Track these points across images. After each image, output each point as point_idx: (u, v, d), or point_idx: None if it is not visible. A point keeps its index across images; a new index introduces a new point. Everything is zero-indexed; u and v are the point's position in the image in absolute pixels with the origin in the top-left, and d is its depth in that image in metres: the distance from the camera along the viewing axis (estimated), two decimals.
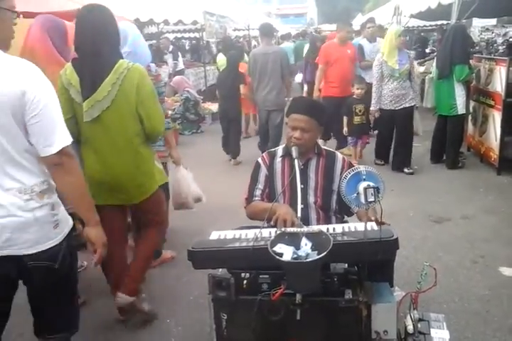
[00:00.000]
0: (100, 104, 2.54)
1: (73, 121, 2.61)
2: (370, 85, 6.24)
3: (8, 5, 1.92)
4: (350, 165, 2.65)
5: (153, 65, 3.44)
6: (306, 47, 9.63)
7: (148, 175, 2.84)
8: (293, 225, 2.20)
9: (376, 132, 6.68)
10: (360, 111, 6.25)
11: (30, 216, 1.86)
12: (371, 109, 6.04)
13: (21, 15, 8.55)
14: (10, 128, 1.80)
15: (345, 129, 6.37)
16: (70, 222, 2.08)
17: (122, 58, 2.63)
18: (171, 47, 11.91)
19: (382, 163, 6.37)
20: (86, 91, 2.53)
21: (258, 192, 2.71)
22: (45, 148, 1.83)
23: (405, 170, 5.98)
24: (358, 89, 6.25)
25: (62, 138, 1.86)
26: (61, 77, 2.61)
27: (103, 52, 2.57)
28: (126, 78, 2.56)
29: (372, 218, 2.23)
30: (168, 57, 11.36)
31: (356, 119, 6.27)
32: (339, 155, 2.77)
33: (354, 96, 6.32)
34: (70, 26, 2.99)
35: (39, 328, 2.17)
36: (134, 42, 3.18)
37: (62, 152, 1.86)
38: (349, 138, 6.47)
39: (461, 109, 5.76)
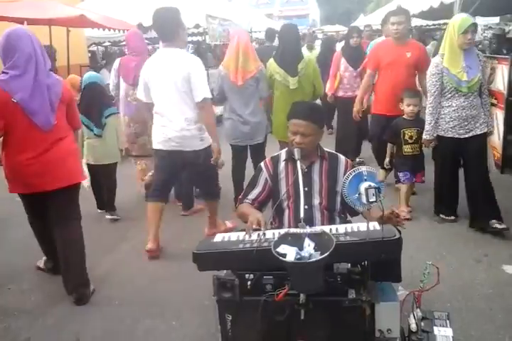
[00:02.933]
0: (308, 77, 4.69)
1: (271, 91, 4.78)
2: None
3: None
4: (353, 167, 2.68)
5: None
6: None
7: None
8: (259, 226, 2.33)
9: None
10: (411, 137, 4.52)
11: (188, 133, 3.80)
12: (424, 137, 4.27)
13: (25, 22, 8.54)
14: (186, 90, 3.72)
15: (386, 160, 4.86)
16: (210, 141, 3.89)
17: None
18: None
19: (452, 217, 4.43)
20: (292, 73, 4.61)
21: (251, 196, 2.79)
22: (196, 98, 3.72)
23: (496, 225, 4.04)
24: (408, 105, 4.56)
25: (203, 94, 3.69)
26: (268, 68, 4.72)
27: (297, 52, 4.75)
28: (307, 65, 4.69)
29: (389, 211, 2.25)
30: None
31: (406, 149, 4.56)
32: (342, 158, 2.81)
33: (404, 116, 4.64)
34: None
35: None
36: None
37: (202, 101, 3.71)
38: (400, 173, 4.65)
39: None
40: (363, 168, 2.09)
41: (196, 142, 3.84)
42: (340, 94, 6.66)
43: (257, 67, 4.56)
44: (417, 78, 5.14)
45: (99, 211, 5.08)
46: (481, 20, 13.64)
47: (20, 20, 8.08)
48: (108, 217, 4.95)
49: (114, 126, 4.85)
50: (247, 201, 2.78)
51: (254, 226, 2.32)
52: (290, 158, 2.72)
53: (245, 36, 4.68)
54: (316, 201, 2.68)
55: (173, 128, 3.79)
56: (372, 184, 2.02)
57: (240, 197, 2.87)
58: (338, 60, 6.62)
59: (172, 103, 3.76)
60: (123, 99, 5.14)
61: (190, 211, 4.99)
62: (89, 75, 4.86)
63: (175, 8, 3.85)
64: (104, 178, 4.96)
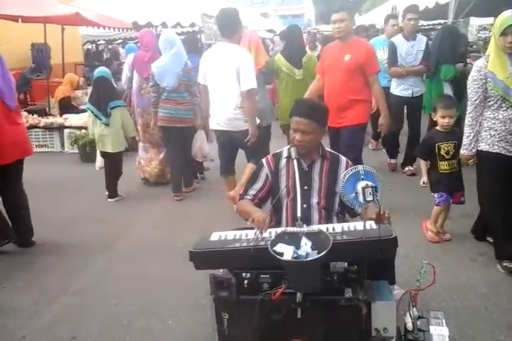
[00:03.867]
0: (309, 70, 5.27)
1: (276, 81, 5.74)
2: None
3: None
4: None
5: (188, 61, 5.22)
6: None
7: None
8: (264, 225, 2.26)
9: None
10: (448, 152, 3.93)
11: (234, 115, 4.43)
12: (461, 152, 3.63)
13: (20, 20, 8.54)
14: (235, 79, 4.29)
15: (424, 178, 4.08)
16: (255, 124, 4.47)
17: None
18: None
19: None
20: (298, 65, 5.33)
21: (251, 192, 2.79)
22: (243, 87, 4.29)
23: (506, 263, 3.51)
24: (443, 117, 3.93)
25: (249, 85, 4.28)
26: (276, 61, 5.42)
27: (301, 48, 5.61)
28: (309, 60, 5.42)
29: (378, 213, 2.21)
30: None
31: (443, 166, 3.96)
32: (343, 158, 2.82)
33: (437, 127, 4.04)
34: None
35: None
36: (178, 46, 5.18)
37: (248, 91, 4.29)
38: (435, 194, 4.05)
39: None
40: (360, 167, 2.09)
41: (241, 123, 4.44)
42: None
43: (266, 60, 5.16)
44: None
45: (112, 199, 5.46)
46: (476, 21, 13.71)
47: (14, 18, 8.06)
48: (111, 200, 5.43)
49: (120, 117, 5.26)
50: (247, 197, 2.78)
51: (264, 228, 2.26)
52: (291, 156, 2.73)
53: (255, 35, 5.35)
54: (315, 200, 2.68)
55: (222, 111, 4.47)
56: (370, 183, 2.02)
57: (241, 192, 2.87)
58: None
59: (222, 89, 4.42)
60: (136, 92, 5.77)
61: (190, 188, 5.66)
62: (98, 70, 5.43)
63: (235, 8, 4.73)
64: (109, 166, 5.41)
